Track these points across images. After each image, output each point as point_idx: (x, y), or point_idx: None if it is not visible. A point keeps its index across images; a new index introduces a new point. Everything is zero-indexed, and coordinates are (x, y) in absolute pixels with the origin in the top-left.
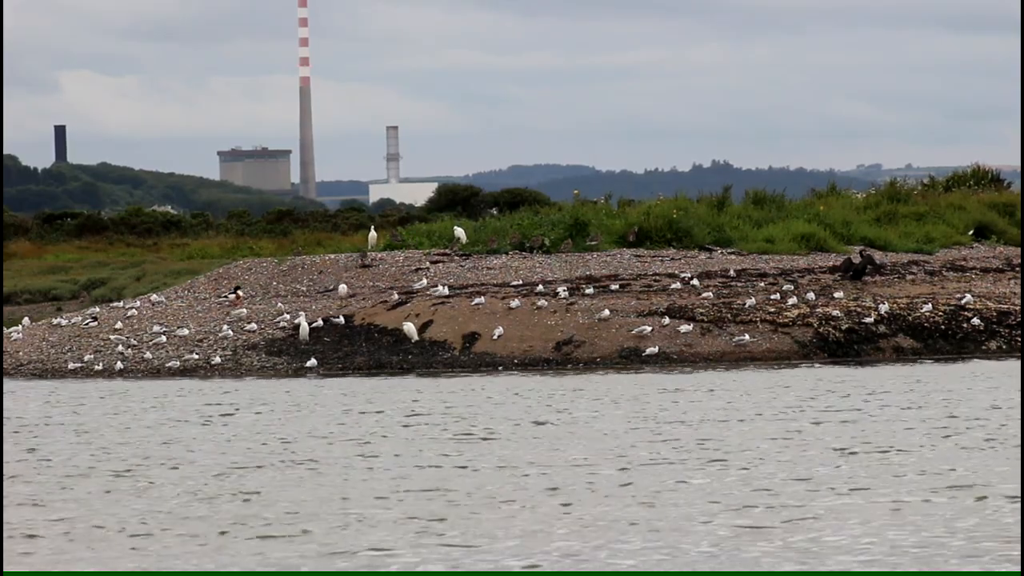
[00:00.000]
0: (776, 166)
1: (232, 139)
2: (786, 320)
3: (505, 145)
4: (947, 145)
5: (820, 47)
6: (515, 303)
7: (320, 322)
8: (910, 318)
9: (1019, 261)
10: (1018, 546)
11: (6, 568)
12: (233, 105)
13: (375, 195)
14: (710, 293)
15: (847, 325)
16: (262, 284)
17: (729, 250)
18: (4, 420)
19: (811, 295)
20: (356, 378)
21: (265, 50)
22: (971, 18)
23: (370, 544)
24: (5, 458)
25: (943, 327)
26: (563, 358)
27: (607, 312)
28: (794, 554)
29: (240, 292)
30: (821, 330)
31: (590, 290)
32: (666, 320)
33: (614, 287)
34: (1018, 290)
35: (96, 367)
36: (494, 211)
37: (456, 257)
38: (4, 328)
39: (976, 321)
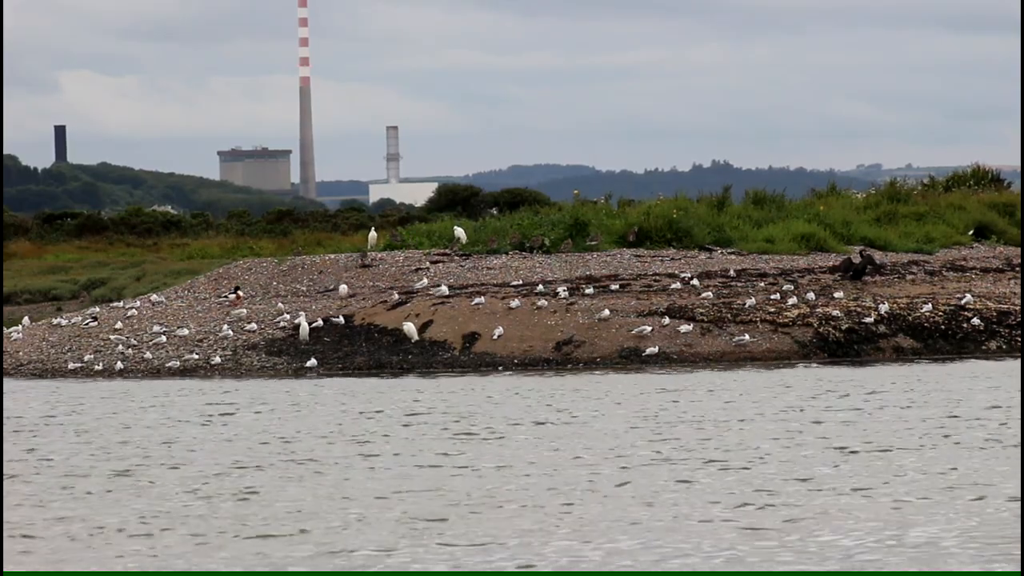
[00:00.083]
0: (776, 166)
1: (232, 139)
2: (786, 320)
3: (505, 145)
4: (947, 145)
5: (820, 47)
6: (515, 303)
7: (320, 322)
8: (910, 318)
9: (1019, 261)
10: (1018, 546)
11: (6, 568)
12: (233, 105)
13: (375, 195)
14: (710, 293)
15: (847, 325)
16: (262, 284)
17: (729, 250)
18: (4, 420)
19: (811, 295)
20: (356, 378)
21: (265, 50)
22: (971, 18)
23: (370, 544)
24: (5, 458)
25: (943, 327)
26: (563, 358)
27: (607, 312)
28: (794, 554)
29: (240, 292)
30: (821, 330)
31: (590, 290)
32: (666, 320)
33: (614, 287)
34: (1018, 290)
35: (96, 367)
36: (494, 211)
37: (456, 257)
38: (4, 328)
39: (976, 321)
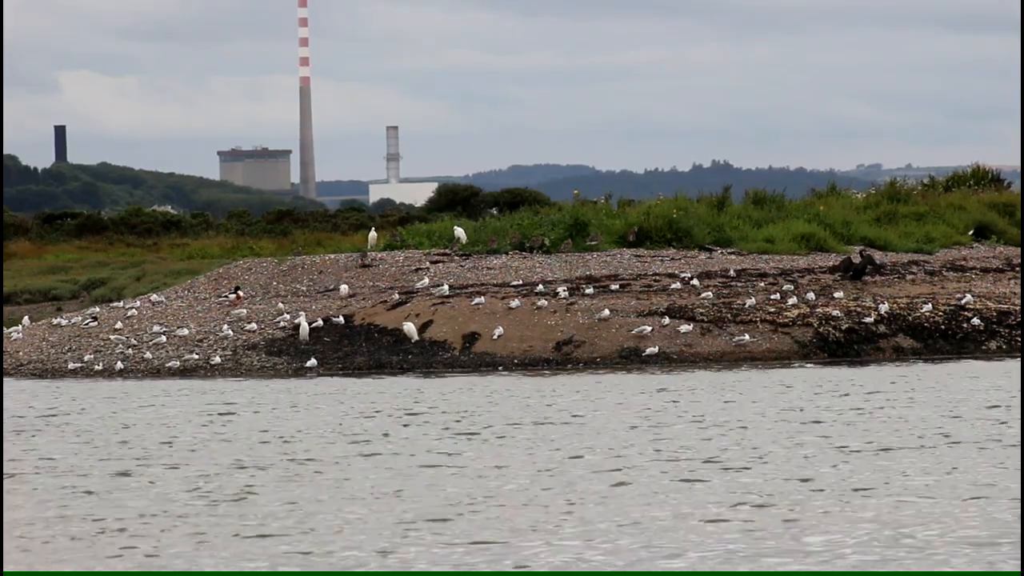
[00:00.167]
0: (776, 166)
1: (232, 139)
2: (786, 320)
3: (505, 145)
4: (947, 145)
5: (820, 47)
6: (515, 303)
7: (320, 322)
8: (910, 318)
9: (1019, 261)
10: (1018, 546)
11: (6, 568)
12: (233, 105)
13: (375, 195)
14: (710, 293)
15: (847, 325)
16: (262, 284)
17: (729, 250)
18: (4, 420)
19: (811, 295)
20: (356, 378)
21: (265, 50)
22: (971, 18)
23: (370, 544)
24: (5, 458)
25: (943, 327)
26: (563, 358)
27: (607, 312)
28: (795, 554)
29: (240, 292)
30: (821, 330)
31: (590, 290)
32: (666, 320)
33: (614, 287)
34: (1018, 290)
35: (96, 367)
36: (494, 211)
37: (456, 257)
38: (4, 328)
39: (976, 321)
